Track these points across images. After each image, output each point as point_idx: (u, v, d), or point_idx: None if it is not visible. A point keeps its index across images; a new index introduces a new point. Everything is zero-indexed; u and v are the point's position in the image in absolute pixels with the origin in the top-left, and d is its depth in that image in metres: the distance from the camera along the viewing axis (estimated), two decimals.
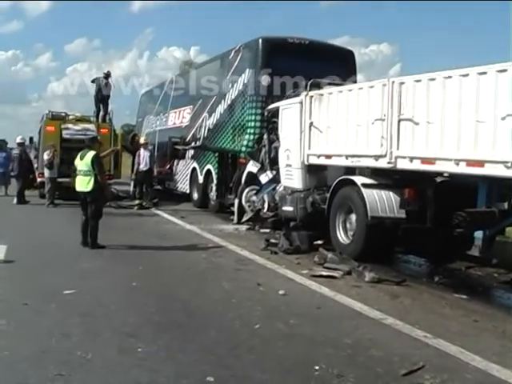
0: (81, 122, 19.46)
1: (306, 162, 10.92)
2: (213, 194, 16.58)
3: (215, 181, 16.26)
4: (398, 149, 8.61)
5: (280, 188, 12.69)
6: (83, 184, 10.13)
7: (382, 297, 7.34)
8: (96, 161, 10.10)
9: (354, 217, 9.54)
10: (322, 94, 10.48)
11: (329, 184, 11.34)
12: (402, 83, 8.59)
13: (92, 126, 18.94)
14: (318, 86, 11.17)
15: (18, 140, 19.35)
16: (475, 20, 79.59)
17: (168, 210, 16.42)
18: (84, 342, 5.16)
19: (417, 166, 8.36)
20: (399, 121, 8.56)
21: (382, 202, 9.04)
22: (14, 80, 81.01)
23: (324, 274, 8.23)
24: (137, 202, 17.44)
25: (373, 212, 8.96)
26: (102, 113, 20.04)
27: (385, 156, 8.81)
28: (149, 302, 6.63)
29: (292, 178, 11.88)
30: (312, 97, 10.68)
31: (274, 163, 13.17)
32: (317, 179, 11.54)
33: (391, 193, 9.10)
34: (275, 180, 13.06)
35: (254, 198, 13.84)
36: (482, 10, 69.94)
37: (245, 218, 13.56)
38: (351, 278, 8.19)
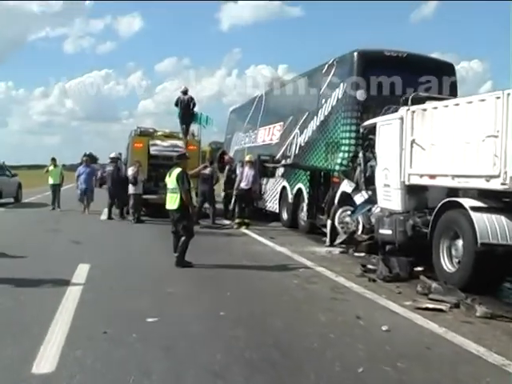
0: (169, 139, 19.34)
1: (406, 182, 10.10)
2: (303, 214, 15.95)
3: (306, 200, 15.63)
4: None
5: (376, 209, 11.91)
6: (171, 202, 10.01)
7: (498, 336, 6.43)
8: (181, 178, 9.84)
9: (460, 243, 8.65)
10: (425, 109, 9.66)
11: (430, 206, 10.56)
12: None
13: (180, 143, 18.82)
14: (421, 101, 10.35)
15: (112, 155, 19.48)
16: None
17: (256, 230, 15.92)
18: (165, 382, 4.64)
19: None
20: None
21: (493, 227, 8.12)
22: (107, 98, 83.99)
23: (430, 306, 7.39)
24: (237, 220, 16.99)
25: (483, 238, 8.04)
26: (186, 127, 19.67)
27: (498, 176, 7.89)
28: (238, 334, 6.06)
29: (390, 198, 11.09)
30: (414, 112, 9.87)
31: (369, 183, 12.43)
32: (417, 201, 10.74)
33: (503, 217, 8.18)
34: (371, 201, 12.31)
35: (348, 219, 13.12)
36: None
37: (338, 241, 12.82)
38: (459, 312, 7.31)
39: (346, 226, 13.14)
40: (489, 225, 8.11)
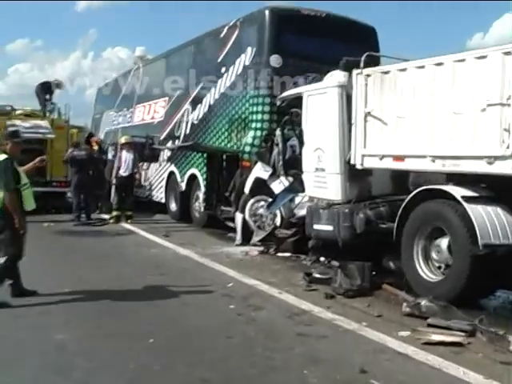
0: (31, 118, 16.21)
1: (358, 166, 7.93)
2: (199, 205, 13.42)
3: (203, 188, 13.08)
4: None
5: (304, 199, 9.73)
6: None
7: None
8: (3, 170, 6.37)
9: (444, 243, 6.66)
10: (386, 72, 7.51)
11: (375, 194, 8.60)
12: None
13: (45, 123, 15.56)
14: (368, 64, 8.25)
15: None
16: None
17: (142, 226, 13.19)
18: None
19: None
20: None
21: (493, 223, 6.22)
22: None
23: (441, 339, 5.25)
24: (114, 213, 14.19)
25: (484, 238, 6.09)
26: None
27: (508, 158, 5.94)
28: None
29: (325, 186, 8.97)
30: (369, 76, 7.70)
31: (290, 167, 10.28)
32: (360, 188, 8.73)
33: (499, 209, 6.30)
34: (293, 189, 10.13)
35: (262, 211, 10.83)
36: None
37: (256, 238, 10.47)
38: (481, 344, 5.21)
39: (259, 220, 10.86)
40: (488, 220, 6.18)
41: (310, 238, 9.30)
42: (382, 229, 7.81)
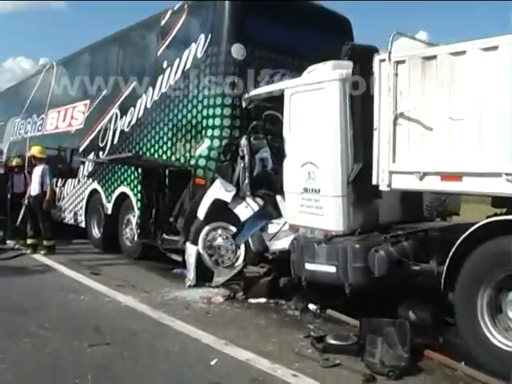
0: None
1: (385, 187, 5.74)
2: (131, 232, 10.86)
3: (137, 211, 10.53)
4: None
5: (282, 227, 7.52)
6: None
7: None
8: None
9: None
10: (430, 57, 5.36)
11: (382, 221, 6.64)
12: None
13: None
14: (366, 53, 6.22)
15: None
16: None
17: (61, 257, 10.49)
18: None
19: None
20: None
21: None
22: None
23: None
24: (29, 241, 11.44)
25: None
26: None
27: None
28: None
29: (320, 212, 6.81)
30: (401, 63, 5.55)
31: (258, 185, 8.05)
32: (366, 215, 6.66)
33: None
34: (265, 214, 7.92)
35: (221, 241, 8.51)
36: None
37: (220, 279, 8.10)
38: None
39: (217, 254, 8.52)
40: None
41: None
42: (414, 271, 5.73)
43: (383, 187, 5.72)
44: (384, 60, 5.62)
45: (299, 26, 9.29)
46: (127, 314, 6.65)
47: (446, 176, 5.19)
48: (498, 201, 5.40)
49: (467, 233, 4.97)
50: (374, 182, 5.78)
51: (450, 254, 5.11)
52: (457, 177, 5.10)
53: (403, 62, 5.50)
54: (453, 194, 5.79)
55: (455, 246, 5.06)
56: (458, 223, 6.51)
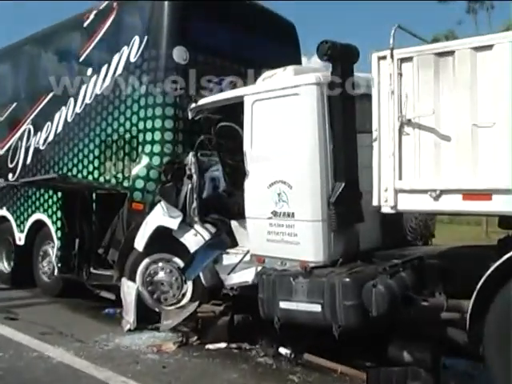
0: None
1: (388, 209, 4.75)
2: (49, 266, 9.36)
3: (57, 242, 9.05)
4: None
5: (243, 258, 6.42)
6: None
7: None
8: None
9: None
10: (445, 53, 4.43)
11: (363, 248, 5.79)
12: None
13: None
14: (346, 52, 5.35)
15: None
16: None
17: None
18: None
19: None
20: None
21: None
22: None
23: None
24: None
25: None
26: None
27: None
28: None
29: (294, 240, 5.76)
30: (407, 61, 4.61)
31: (209, 210, 6.96)
32: (347, 241, 5.73)
33: None
34: (218, 243, 6.81)
35: (163, 276, 7.28)
36: None
37: (169, 323, 6.82)
38: None
39: (158, 291, 7.28)
40: None
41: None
42: (421, 308, 4.82)
43: (386, 209, 4.75)
44: (384, 57, 4.67)
45: (246, 29, 8.32)
46: (65, 377, 5.23)
47: (470, 194, 4.28)
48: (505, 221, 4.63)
49: (500, 261, 4.07)
50: (375, 203, 4.79)
51: (474, 293, 4.19)
52: (485, 195, 4.19)
53: (409, 59, 4.57)
54: (475, 214, 4.87)
55: (484, 276, 4.15)
56: (454, 247, 5.67)
